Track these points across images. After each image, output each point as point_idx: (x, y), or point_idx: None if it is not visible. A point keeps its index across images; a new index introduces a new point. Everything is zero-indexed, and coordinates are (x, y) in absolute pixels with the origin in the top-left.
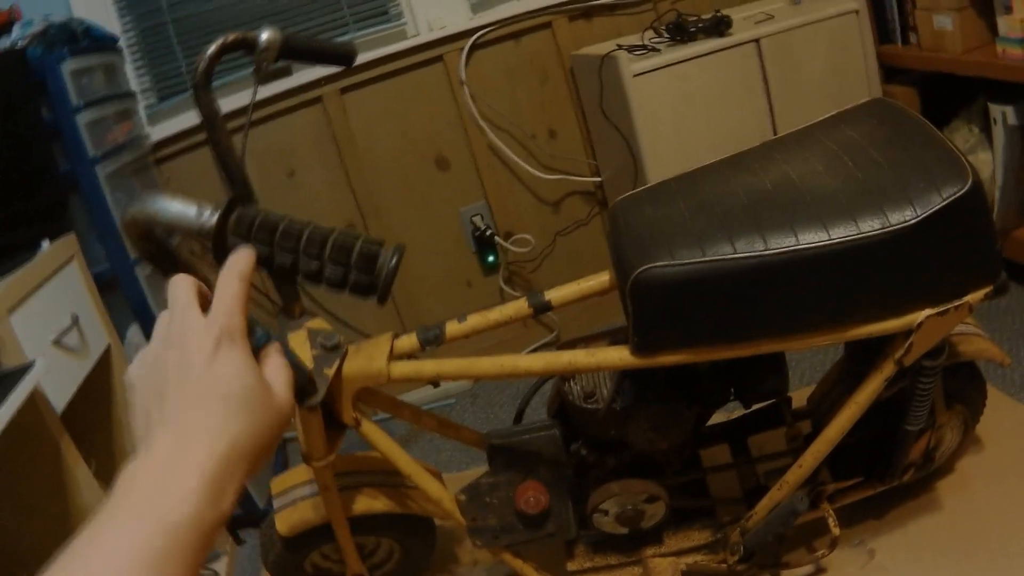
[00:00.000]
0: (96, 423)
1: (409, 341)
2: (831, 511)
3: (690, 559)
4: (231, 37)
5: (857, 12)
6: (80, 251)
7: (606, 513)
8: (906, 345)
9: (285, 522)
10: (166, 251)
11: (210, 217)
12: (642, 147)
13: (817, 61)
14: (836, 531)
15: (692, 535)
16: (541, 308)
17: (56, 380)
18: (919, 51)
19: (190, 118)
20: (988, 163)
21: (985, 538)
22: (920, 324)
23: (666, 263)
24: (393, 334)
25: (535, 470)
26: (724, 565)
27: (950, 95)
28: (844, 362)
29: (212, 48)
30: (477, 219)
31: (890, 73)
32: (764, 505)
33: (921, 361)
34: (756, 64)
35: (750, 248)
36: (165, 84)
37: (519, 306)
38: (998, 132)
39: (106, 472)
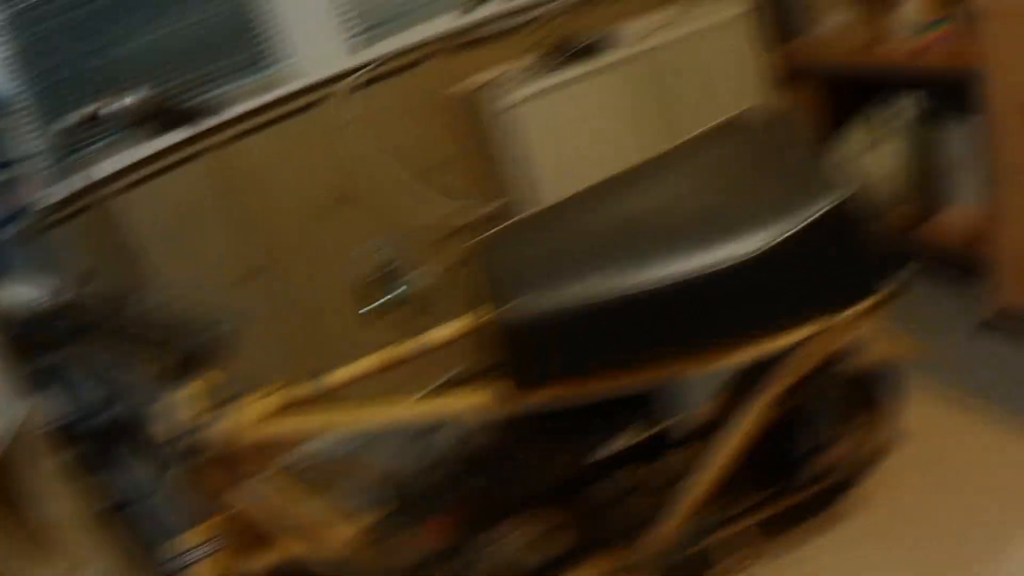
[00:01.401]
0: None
1: (301, 391)
2: (749, 525)
3: None
4: (87, 110)
5: (745, 15)
6: None
7: (512, 546)
8: (790, 365)
9: None
10: (37, 336)
11: (64, 294)
12: (523, 176)
13: (708, 69)
14: (755, 543)
15: (603, 562)
16: (424, 350)
17: None
18: (817, 48)
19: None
20: (894, 156)
21: (918, 535)
22: (799, 343)
23: (534, 300)
24: (283, 383)
25: (439, 507)
26: None
27: (853, 90)
28: (734, 380)
29: (73, 118)
30: (381, 254)
31: (791, 73)
32: (671, 525)
33: (815, 377)
34: (645, 79)
35: (615, 276)
36: (59, 147)
37: (404, 349)
38: (900, 122)
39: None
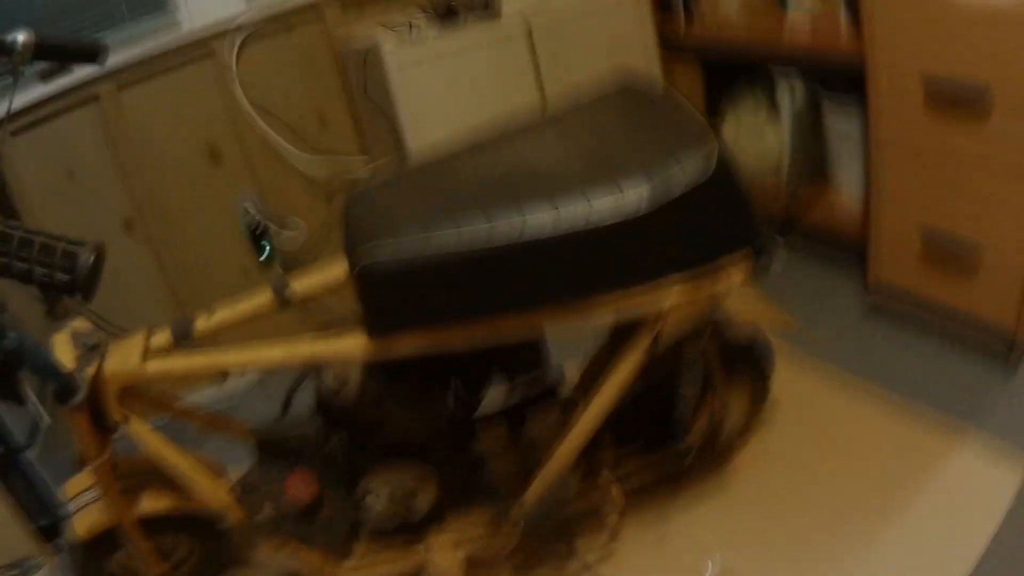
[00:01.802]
0: None
1: (163, 338)
2: (612, 479)
3: (472, 540)
4: None
5: None
6: None
7: (377, 497)
8: (654, 332)
9: (81, 525)
10: None
11: None
12: (407, 134)
13: (594, 45)
14: (617, 496)
15: (473, 518)
16: (286, 301)
17: None
18: (703, 27)
19: None
20: (777, 133)
21: (794, 505)
22: (668, 307)
23: (387, 243)
24: (147, 331)
25: (304, 460)
26: (505, 545)
27: (736, 68)
28: (609, 340)
29: None
30: (250, 209)
31: (674, 50)
32: (538, 483)
33: (683, 346)
34: (527, 48)
35: (474, 228)
36: None
37: (265, 296)
38: (785, 103)
39: None
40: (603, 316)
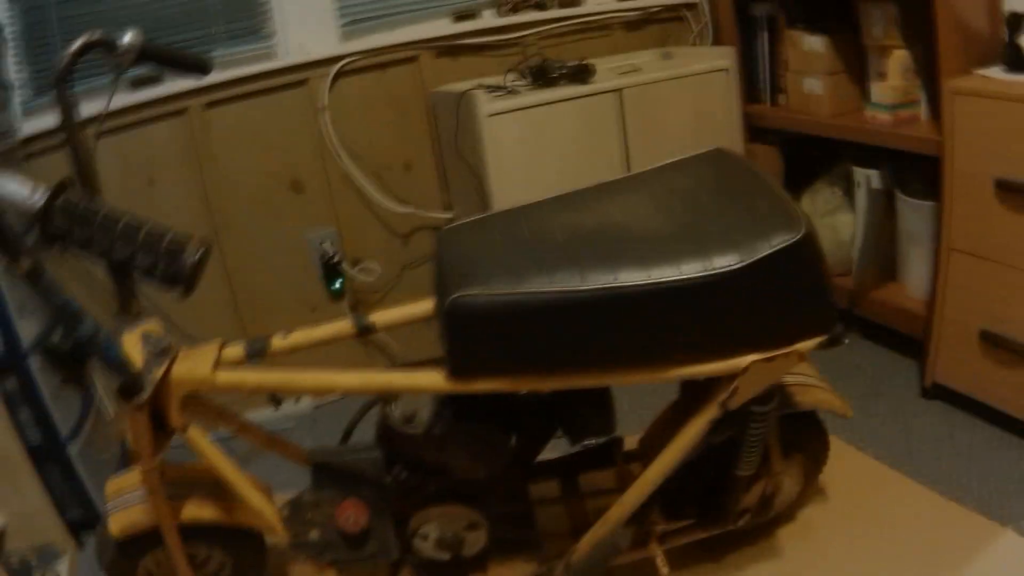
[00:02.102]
0: None
1: (236, 351)
2: (660, 552)
3: None
4: (94, 36)
5: (727, 71)
6: None
7: (426, 538)
8: (731, 389)
9: (117, 524)
10: (3, 234)
11: (40, 198)
12: (492, 187)
13: (680, 115)
14: (665, 571)
15: (517, 567)
16: (364, 329)
17: None
18: (786, 112)
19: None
20: (849, 225)
21: None
22: (745, 369)
23: (479, 291)
24: (221, 342)
25: (357, 490)
26: None
27: (815, 157)
28: (676, 405)
29: (75, 45)
30: (326, 245)
31: (755, 132)
32: (587, 540)
33: (750, 407)
34: (616, 114)
35: (567, 282)
36: (43, 79)
37: (343, 326)
38: (861, 195)
39: None
40: (677, 376)
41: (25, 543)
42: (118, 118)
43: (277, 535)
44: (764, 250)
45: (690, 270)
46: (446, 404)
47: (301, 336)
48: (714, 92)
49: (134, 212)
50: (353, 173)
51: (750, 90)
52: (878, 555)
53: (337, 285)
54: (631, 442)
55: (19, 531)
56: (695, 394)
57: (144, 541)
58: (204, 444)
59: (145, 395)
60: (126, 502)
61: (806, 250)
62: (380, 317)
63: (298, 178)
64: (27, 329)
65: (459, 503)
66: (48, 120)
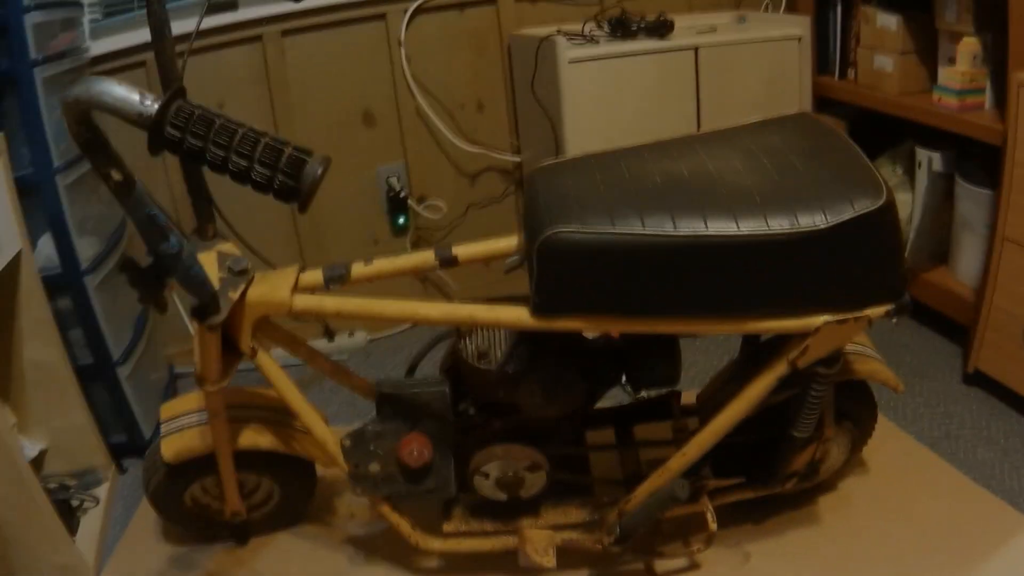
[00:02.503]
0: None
1: (314, 276)
2: (710, 507)
3: (566, 535)
4: None
5: (800, 39)
6: (6, 150)
7: (487, 476)
8: (802, 347)
9: (170, 448)
10: (100, 141)
11: (151, 105)
12: (567, 133)
13: (752, 79)
14: (713, 526)
15: (570, 512)
16: (447, 261)
17: None
18: (855, 86)
19: (130, 38)
20: (907, 204)
21: (860, 557)
22: (818, 328)
23: (575, 229)
24: (299, 267)
25: (421, 424)
26: (599, 545)
27: (879, 134)
28: (736, 364)
29: None
30: (393, 180)
31: (822, 104)
32: (644, 489)
33: (815, 368)
34: (691, 71)
35: (659, 227)
36: (112, 1)
37: (426, 257)
38: (921, 176)
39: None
40: (754, 330)
41: (65, 466)
42: (191, 40)
43: (337, 465)
44: (848, 213)
45: (777, 226)
46: (522, 342)
47: (383, 264)
48: (786, 60)
49: (252, 123)
50: (426, 110)
51: (819, 61)
52: (910, 534)
53: (401, 221)
54: (686, 397)
55: (60, 453)
56: (758, 353)
57: (195, 467)
58: (273, 369)
59: (221, 316)
60: (181, 426)
61: (887, 217)
62: (463, 250)
63: (370, 111)
64: (86, 248)
65: (523, 443)
66: (115, 43)
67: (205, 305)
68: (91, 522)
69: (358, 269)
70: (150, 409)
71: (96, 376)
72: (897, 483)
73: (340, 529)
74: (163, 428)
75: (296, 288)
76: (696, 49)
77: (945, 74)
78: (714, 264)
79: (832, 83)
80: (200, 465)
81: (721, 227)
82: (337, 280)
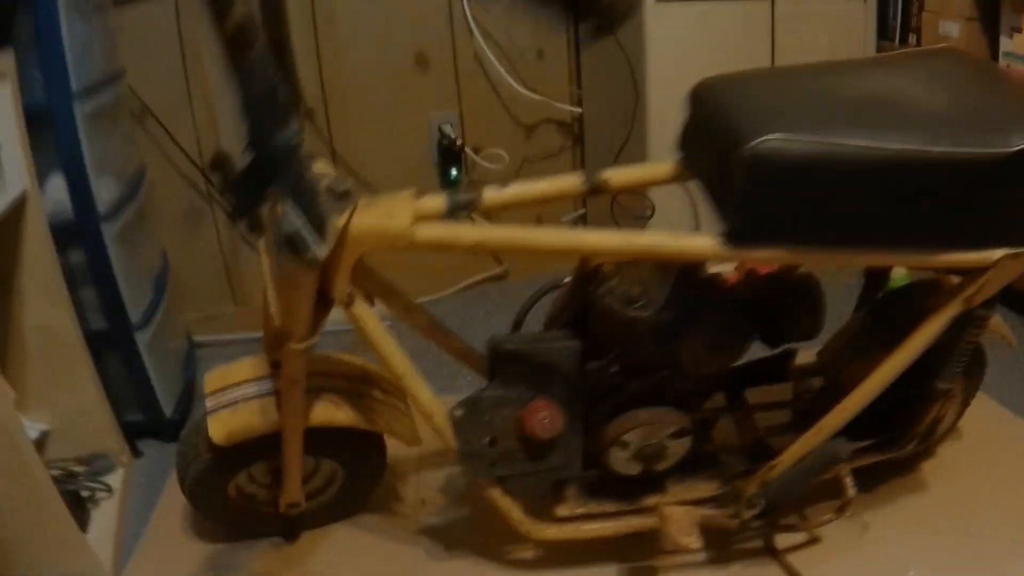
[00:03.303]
0: None
1: (434, 203)
2: (849, 472)
3: (706, 509)
4: None
5: (865, 0)
6: (15, 72)
7: (624, 447)
8: (979, 283)
9: (221, 427)
10: None
11: None
12: (648, 78)
13: (821, 38)
14: (852, 492)
15: (697, 485)
16: (596, 188)
17: None
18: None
19: None
20: None
21: (974, 521)
22: (996, 262)
23: (787, 137)
24: (414, 192)
25: (547, 389)
26: (735, 520)
27: None
28: (863, 317)
29: None
30: (447, 128)
31: None
32: (792, 453)
33: (975, 310)
34: (767, 23)
35: (869, 140)
36: None
37: (571, 181)
38: None
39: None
40: (936, 265)
41: (71, 450)
42: None
43: (445, 442)
44: None
45: (973, 145)
46: (684, 284)
47: (521, 189)
48: (850, 20)
49: None
50: (487, 53)
51: (880, 27)
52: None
53: (454, 173)
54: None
55: (65, 434)
56: (886, 305)
57: (247, 451)
58: (372, 323)
59: (326, 248)
60: (233, 399)
61: None
62: (615, 175)
63: (424, 53)
64: (103, 191)
65: (664, 408)
66: None
67: (304, 234)
68: (104, 517)
69: (491, 195)
70: (170, 383)
71: (110, 344)
72: (995, 451)
73: (410, 519)
74: (209, 403)
75: (418, 217)
76: (773, 2)
77: (1012, 42)
78: (920, 184)
79: (891, 48)
80: (253, 448)
81: (922, 143)
82: (464, 207)
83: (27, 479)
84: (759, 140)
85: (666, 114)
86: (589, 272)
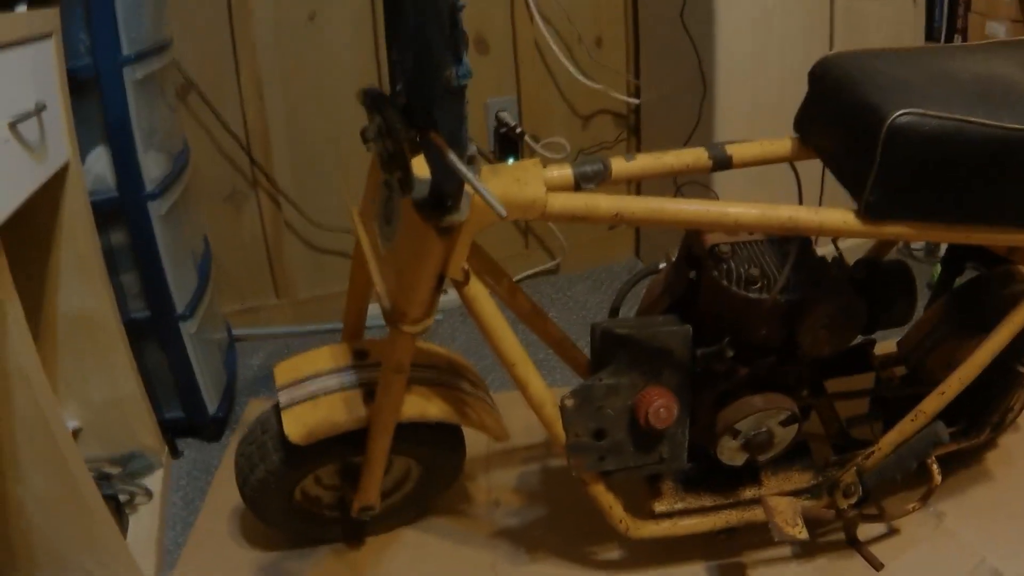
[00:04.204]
0: (31, 258)
1: (561, 174)
2: (934, 459)
3: (805, 498)
4: None
5: (915, 2)
6: (60, 32)
7: (736, 435)
8: None
9: (299, 424)
10: None
11: None
12: (717, 66)
13: (873, 37)
14: (938, 479)
15: (792, 476)
16: (721, 163)
17: (4, 178)
18: None
19: None
20: None
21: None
22: None
23: (926, 112)
24: (540, 161)
25: (660, 376)
26: (832, 511)
27: None
28: (945, 304)
29: None
30: (505, 114)
31: None
32: (890, 439)
33: None
34: (827, 16)
35: (993, 119)
36: None
37: (697, 155)
38: None
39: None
40: None
41: (105, 449)
42: None
43: (555, 434)
44: None
45: None
46: (799, 265)
47: (649, 161)
48: (899, 18)
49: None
50: (547, 39)
51: (926, 27)
52: None
53: (511, 160)
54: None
55: (99, 431)
56: (968, 291)
57: (321, 450)
58: (488, 305)
59: (464, 212)
60: (311, 393)
61: None
62: (738, 150)
63: (484, 36)
64: (151, 167)
65: (776, 393)
66: None
67: (449, 194)
68: (143, 522)
69: (619, 165)
70: (214, 378)
71: (152, 333)
72: None
73: (483, 521)
74: (283, 397)
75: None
76: None
77: None
78: None
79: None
80: (328, 446)
81: None
82: (593, 178)
83: (67, 482)
84: (899, 113)
85: (734, 108)
86: (696, 255)
